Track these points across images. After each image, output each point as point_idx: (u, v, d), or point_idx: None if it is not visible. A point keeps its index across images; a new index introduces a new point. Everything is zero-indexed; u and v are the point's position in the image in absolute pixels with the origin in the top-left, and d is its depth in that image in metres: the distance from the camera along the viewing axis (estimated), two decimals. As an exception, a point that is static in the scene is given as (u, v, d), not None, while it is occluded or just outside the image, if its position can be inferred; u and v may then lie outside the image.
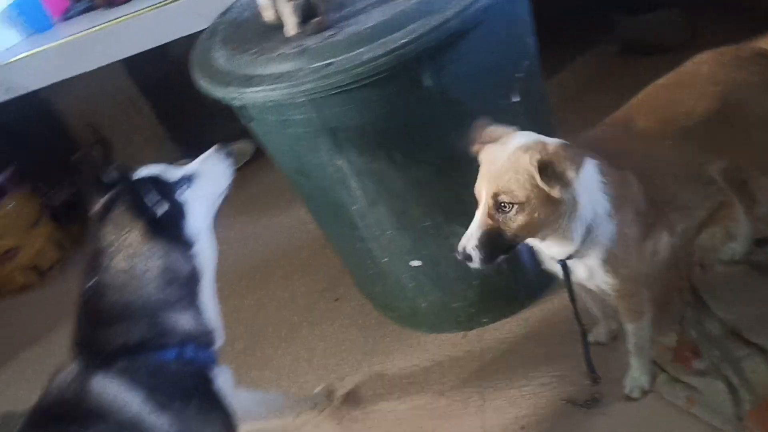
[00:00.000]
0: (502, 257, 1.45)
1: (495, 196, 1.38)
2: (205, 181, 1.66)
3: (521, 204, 1.37)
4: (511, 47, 1.82)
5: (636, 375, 1.84)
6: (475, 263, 1.42)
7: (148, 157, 3.45)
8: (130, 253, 1.52)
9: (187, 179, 1.63)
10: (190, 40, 2.47)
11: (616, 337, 1.98)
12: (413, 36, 1.57)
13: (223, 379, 1.66)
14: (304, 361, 2.41)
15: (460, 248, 1.42)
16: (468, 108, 1.76)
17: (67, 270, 3.49)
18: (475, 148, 1.47)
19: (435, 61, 1.65)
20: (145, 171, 1.61)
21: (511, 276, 2.15)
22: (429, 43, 1.58)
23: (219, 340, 1.68)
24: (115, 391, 1.48)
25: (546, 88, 2.09)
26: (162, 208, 1.53)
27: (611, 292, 1.65)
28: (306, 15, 1.73)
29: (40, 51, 2.63)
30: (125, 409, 1.48)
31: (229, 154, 1.71)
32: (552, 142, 1.40)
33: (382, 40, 1.59)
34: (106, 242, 1.54)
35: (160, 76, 3.33)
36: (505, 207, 1.38)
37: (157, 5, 2.51)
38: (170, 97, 3.25)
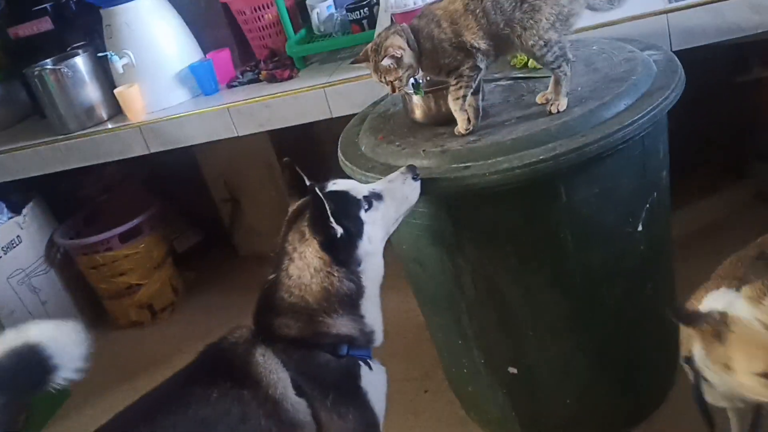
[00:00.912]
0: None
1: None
2: (390, 201, 1.71)
3: None
4: (643, 178, 1.87)
5: None
6: None
7: (267, 226, 3.67)
8: (301, 265, 1.65)
9: (374, 197, 1.69)
10: (333, 121, 2.69)
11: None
12: (551, 154, 1.65)
13: (372, 377, 1.74)
14: (382, 448, 2.43)
15: None
16: (592, 228, 1.83)
17: (177, 313, 3.68)
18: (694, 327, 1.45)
19: (568, 181, 1.73)
20: (336, 185, 1.71)
21: (615, 395, 2.14)
22: (566, 163, 1.66)
23: (377, 341, 1.77)
24: (271, 366, 1.64)
25: (671, 219, 2.11)
26: (340, 230, 1.60)
27: None
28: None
29: (203, 112, 2.89)
30: (274, 385, 1.62)
31: (416, 178, 1.73)
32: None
33: (520, 153, 1.68)
34: (289, 246, 1.68)
35: (299, 151, 3.56)
36: None
37: (312, 87, 2.72)
38: (304, 172, 3.46)
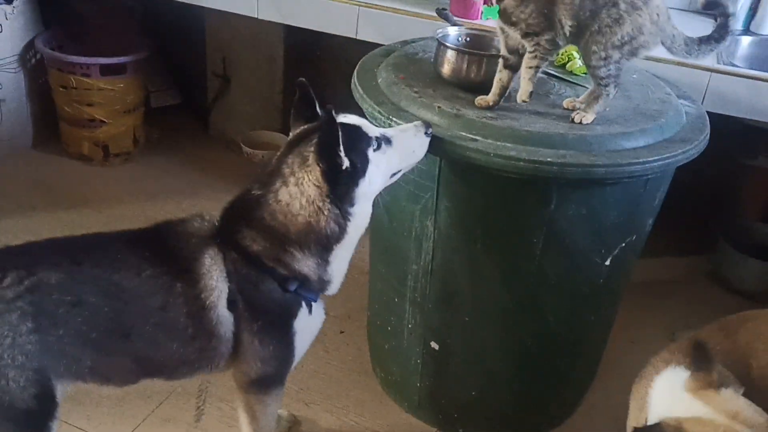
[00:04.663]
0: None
1: None
2: (398, 149, 1.66)
3: None
4: (631, 217, 1.87)
5: None
6: None
7: (247, 116, 3.57)
8: (294, 191, 1.58)
9: (384, 140, 1.64)
10: (352, 42, 2.60)
11: None
12: (559, 160, 1.64)
13: (307, 321, 1.73)
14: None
15: None
16: (565, 244, 1.83)
17: (129, 164, 3.59)
18: None
19: (564, 192, 1.72)
20: (347, 119, 1.63)
21: (520, 400, 2.18)
22: (569, 175, 1.65)
23: (331, 291, 1.74)
24: (216, 273, 1.59)
25: (634, 267, 2.13)
26: (347, 162, 1.54)
27: None
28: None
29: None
30: (209, 291, 1.59)
31: (428, 134, 1.68)
32: None
33: (530, 147, 1.66)
34: (286, 169, 1.60)
35: (306, 59, 3.46)
36: None
37: (349, 0, 2.63)
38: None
